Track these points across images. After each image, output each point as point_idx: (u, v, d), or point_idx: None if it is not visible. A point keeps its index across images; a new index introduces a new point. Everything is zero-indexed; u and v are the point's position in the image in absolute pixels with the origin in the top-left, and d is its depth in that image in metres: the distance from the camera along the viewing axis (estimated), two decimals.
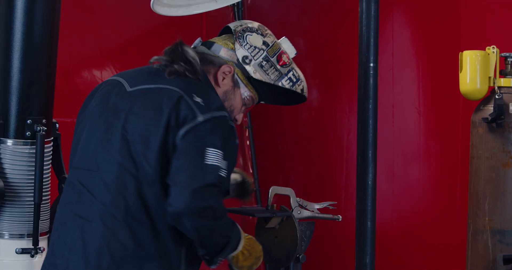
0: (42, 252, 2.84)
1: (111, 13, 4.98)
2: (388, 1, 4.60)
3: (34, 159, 2.80)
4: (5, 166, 2.81)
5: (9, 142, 2.81)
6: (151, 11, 3.02)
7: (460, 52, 3.63)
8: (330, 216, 2.90)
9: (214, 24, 5.15)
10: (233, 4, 5.14)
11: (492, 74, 3.57)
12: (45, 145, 2.83)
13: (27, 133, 2.81)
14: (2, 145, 2.81)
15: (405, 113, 4.67)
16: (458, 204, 4.41)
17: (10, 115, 2.81)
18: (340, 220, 2.88)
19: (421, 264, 4.61)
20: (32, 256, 2.82)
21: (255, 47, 2.72)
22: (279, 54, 2.74)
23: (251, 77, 2.69)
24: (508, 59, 3.61)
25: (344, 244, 4.81)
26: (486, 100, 3.60)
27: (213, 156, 2.47)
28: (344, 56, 4.90)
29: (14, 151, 2.81)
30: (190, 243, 2.52)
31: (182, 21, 4.98)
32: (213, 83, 2.69)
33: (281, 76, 2.73)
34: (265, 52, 2.72)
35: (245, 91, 2.72)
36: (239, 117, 2.75)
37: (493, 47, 3.58)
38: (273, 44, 2.74)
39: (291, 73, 2.75)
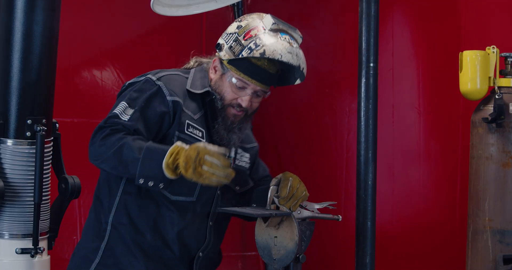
0: (42, 252, 2.84)
1: (111, 13, 4.98)
2: (388, 1, 4.60)
3: (34, 159, 2.79)
4: (5, 166, 2.80)
5: (9, 142, 2.81)
6: (151, 11, 3.02)
7: (460, 52, 3.63)
8: (330, 216, 2.89)
9: (214, 24, 5.15)
10: (233, 4, 5.14)
11: (492, 74, 3.57)
12: (45, 145, 2.83)
13: (27, 133, 2.81)
14: (2, 145, 2.81)
15: (405, 113, 4.67)
16: (458, 204, 4.41)
17: (10, 115, 2.80)
18: (340, 220, 2.88)
19: (421, 264, 4.61)
20: (32, 256, 2.82)
21: (229, 34, 2.95)
22: (248, 31, 2.91)
23: (228, 60, 2.93)
24: (508, 59, 3.61)
25: (344, 244, 4.81)
26: (486, 100, 3.60)
27: (117, 107, 2.90)
28: (344, 56, 4.90)
29: (14, 151, 2.80)
30: (127, 197, 2.96)
31: (182, 21, 4.98)
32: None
33: (242, 48, 2.87)
34: (235, 35, 2.92)
35: (230, 75, 2.93)
36: (242, 100, 2.93)
37: (493, 47, 3.58)
38: (245, 25, 2.92)
39: (252, 42, 2.87)
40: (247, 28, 2.91)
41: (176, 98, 2.92)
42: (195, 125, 2.95)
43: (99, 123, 2.88)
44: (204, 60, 3.10)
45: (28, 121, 2.80)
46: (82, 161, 4.70)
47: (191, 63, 3.13)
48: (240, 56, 2.86)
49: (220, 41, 2.96)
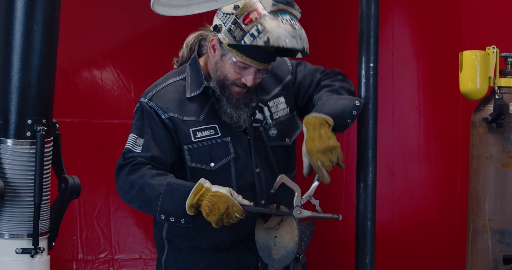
0: (42, 252, 2.84)
1: (111, 13, 4.98)
2: (388, 1, 4.60)
3: (34, 159, 2.79)
4: (5, 166, 2.80)
5: (9, 142, 2.81)
6: (151, 11, 3.02)
7: (460, 52, 3.62)
8: (330, 215, 2.89)
9: None
10: None
11: (492, 74, 3.57)
12: (45, 145, 2.82)
13: (27, 133, 2.80)
14: (2, 145, 2.81)
15: (405, 113, 4.67)
16: (458, 204, 4.41)
17: (10, 115, 2.80)
18: (340, 219, 2.88)
19: (421, 264, 4.61)
20: (32, 256, 2.82)
21: (226, 14, 2.86)
22: (247, 14, 2.83)
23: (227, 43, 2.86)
24: (508, 59, 3.60)
25: (344, 244, 4.81)
26: (486, 100, 3.60)
27: (128, 141, 2.93)
28: (344, 56, 4.90)
29: (14, 151, 2.80)
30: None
31: (182, 21, 4.98)
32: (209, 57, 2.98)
33: (244, 34, 2.80)
34: (233, 16, 2.84)
35: (231, 57, 2.88)
36: (246, 80, 2.90)
37: (493, 47, 3.58)
38: (243, 6, 2.84)
39: (254, 28, 2.80)
40: (246, 9, 2.83)
41: (170, 114, 2.93)
42: (202, 126, 2.95)
43: (118, 160, 2.92)
44: (191, 37, 3.07)
45: (28, 121, 2.80)
46: (82, 161, 4.72)
47: (180, 54, 3.12)
48: (243, 42, 2.80)
49: (217, 22, 2.88)
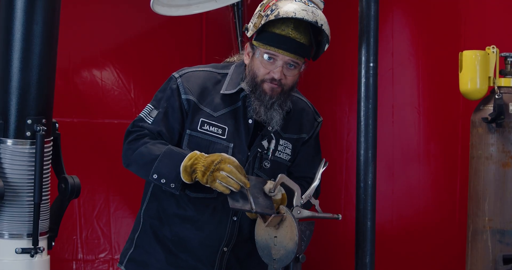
0: (42, 252, 2.84)
1: (111, 13, 4.98)
2: (388, 1, 4.60)
3: (34, 159, 2.79)
4: (5, 166, 2.80)
5: (9, 142, 2.81)
6: (151, 11, 3.02)
7: (460, 52, 3.62)
8: (330, 215, 2.89)
9: (214, 24, 5.15)
10: (233, 4, 5.14)
11: (492, 74, 3.57)
12: (45, 145, 2.82)
13: (27, 133, 2.80)
14: (2, 145, 2.80)
15: (405, 113, 4.67)
16: (458, 204, 4.41)
17: (10, 115, 2.80)
18: (340, 218, 2.88)
19: (421, 264, 4.61)
20: (32, 256, 2.82)
21: (254, 14, 2.95)
22: (268, 3, 2.92)
23: (254, 38, 2.93)
24: (508, 59, 3.61)
25: (344, 244, 4.81)
26: (486, 100, 3.60)
27: (144, 109, 3.01)
28: (344, 56, 4.90)
29: (14, 151, 2.80)
30: (155, 192, 3.08)
31: (182, 21, 4.98)
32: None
33: (261, 19, 2.88)
34: (258, 12, 2.93)
35: (258, 52, 2.93)
36: (274, 73, 2.93)
37: (493, 47, 3.58)
38: (267, 0, 2.93)
39: (269, 10, 2.88)
40: (268, 1, 2.93)
41: (190, 97, 2.98)
42: (213, 122, 2.99)
43: (128, 127, 3.00)
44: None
45: (28, 121, 2.80)
46: (82, 161, 4.72)
47: (235, 58, 3.19)
48: (260, 25, 2.87)
49: (248, 24, 2.98)
